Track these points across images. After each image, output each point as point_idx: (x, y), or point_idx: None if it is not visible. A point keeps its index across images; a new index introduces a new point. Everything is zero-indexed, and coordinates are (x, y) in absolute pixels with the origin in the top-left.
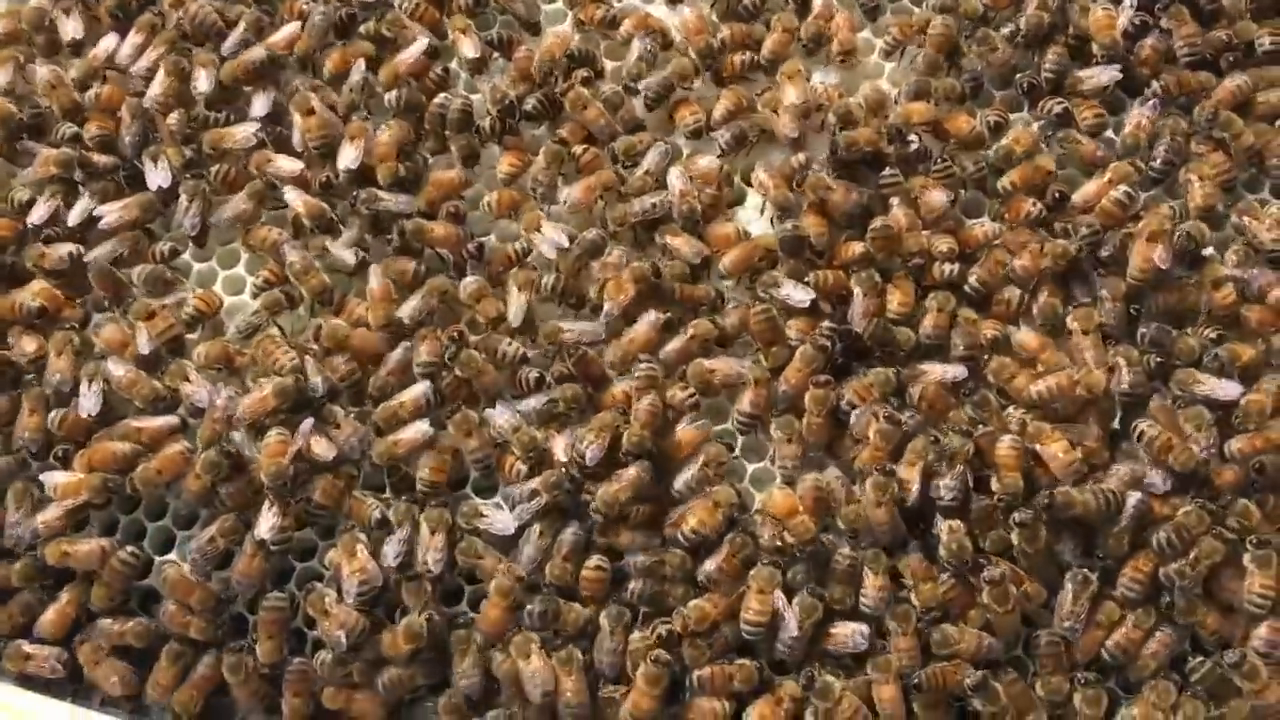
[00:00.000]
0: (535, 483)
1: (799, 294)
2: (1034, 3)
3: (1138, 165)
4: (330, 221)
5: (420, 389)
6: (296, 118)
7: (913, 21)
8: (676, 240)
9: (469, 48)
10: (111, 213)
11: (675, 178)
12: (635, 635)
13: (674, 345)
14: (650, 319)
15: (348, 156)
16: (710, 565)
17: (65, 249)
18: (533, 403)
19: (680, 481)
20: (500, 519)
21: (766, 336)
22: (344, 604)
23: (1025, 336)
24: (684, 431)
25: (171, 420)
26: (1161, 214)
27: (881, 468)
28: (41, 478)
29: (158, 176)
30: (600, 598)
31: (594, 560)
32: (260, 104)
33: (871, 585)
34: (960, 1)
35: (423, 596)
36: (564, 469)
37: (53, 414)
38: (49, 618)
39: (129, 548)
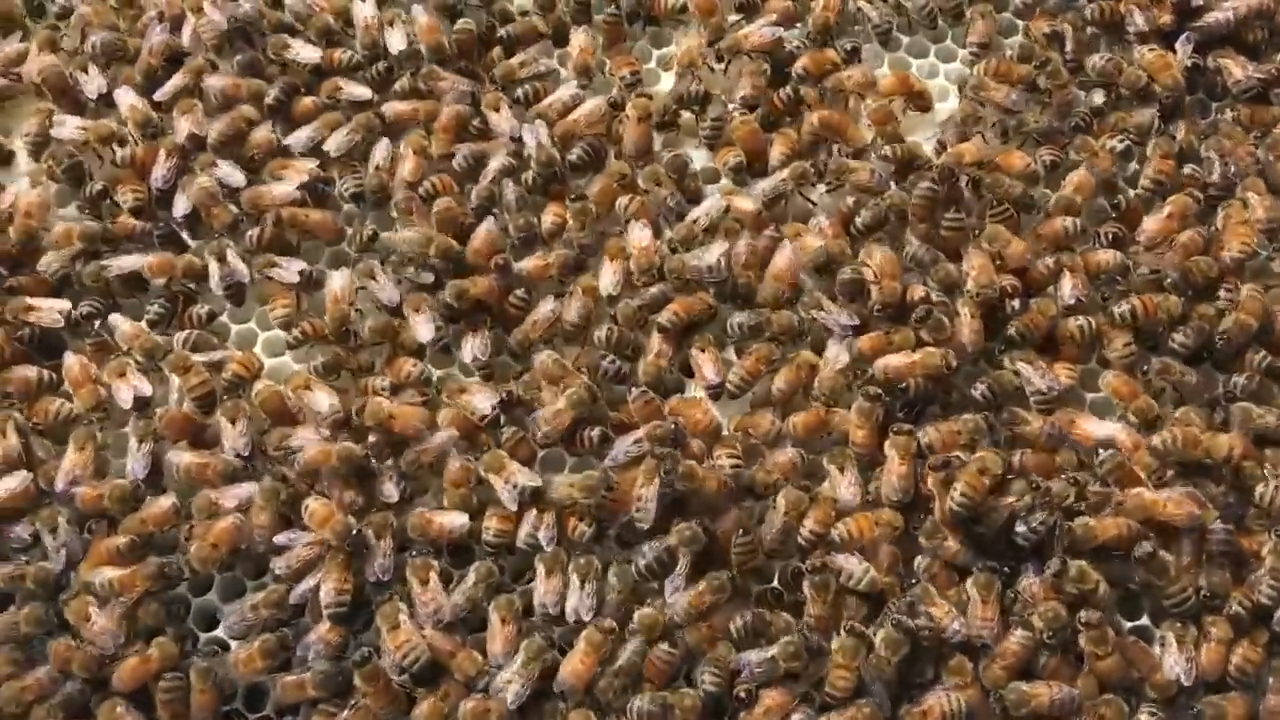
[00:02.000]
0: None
1: (843, 319)
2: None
3: (1195, 195)
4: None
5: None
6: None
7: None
8: None
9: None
10: None
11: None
12: None
13: (785, 376)
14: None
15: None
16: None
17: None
18: (619, 451)
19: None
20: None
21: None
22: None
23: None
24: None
25: (172, 501)
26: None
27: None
28: (86, 578)
29: (182, 205)
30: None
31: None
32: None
33: (940, 612)
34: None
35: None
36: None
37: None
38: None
39: (170, 674)
